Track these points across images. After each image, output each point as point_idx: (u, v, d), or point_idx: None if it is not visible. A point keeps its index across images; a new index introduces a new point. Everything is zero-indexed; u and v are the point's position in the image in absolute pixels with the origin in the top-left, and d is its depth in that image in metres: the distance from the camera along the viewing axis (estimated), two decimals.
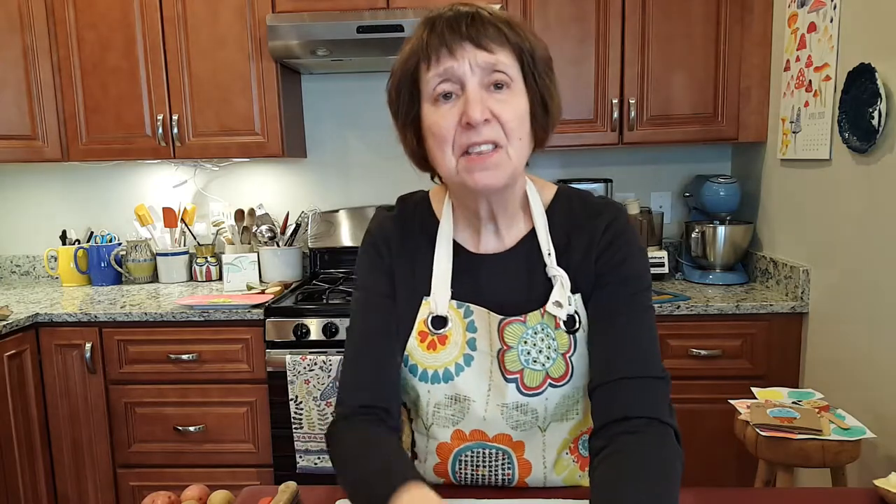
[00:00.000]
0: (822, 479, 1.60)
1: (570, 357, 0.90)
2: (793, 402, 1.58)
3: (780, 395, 1.63)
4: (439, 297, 0.91)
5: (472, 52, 0.81)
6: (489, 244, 0.94)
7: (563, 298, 0.89)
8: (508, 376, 0.90)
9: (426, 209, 0.97)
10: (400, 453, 0.83)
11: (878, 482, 0.93)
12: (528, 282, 0.91)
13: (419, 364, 0.92)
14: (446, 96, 0.82)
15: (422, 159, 0.91)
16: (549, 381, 0.89)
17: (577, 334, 0.90)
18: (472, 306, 0.91)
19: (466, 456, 0.95)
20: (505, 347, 0.90)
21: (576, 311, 0.90)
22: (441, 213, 0.95)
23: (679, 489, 0.75)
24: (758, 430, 1.46)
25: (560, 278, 0.89)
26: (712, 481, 2.02)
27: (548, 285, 0.90)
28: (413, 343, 0.92)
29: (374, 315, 0.93)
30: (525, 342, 0.89)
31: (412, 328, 0.92)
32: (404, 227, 0.96)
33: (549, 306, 0.89)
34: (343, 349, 2.01)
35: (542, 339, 0.89)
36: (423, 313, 0.92)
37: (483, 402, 0.91)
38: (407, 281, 0.93)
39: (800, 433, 1.42)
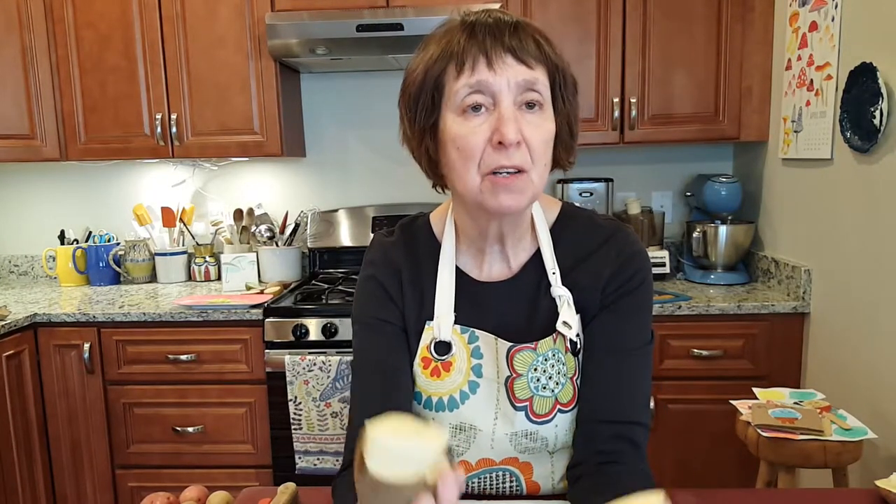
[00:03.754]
0: (824, 479, 1.60)
1: (576, 380, 0.88)
2: (794, 403, 1.57)
3: (782, 395, 1.62)
4: (442, 322, 0.88)
5: (511, 67, 0.76)
6: (493, 269, 0.91)
7: (571, 318, 0.86)
8: (517, 404, 0.87)
9: (428, 234, 0.94)
10: None
11: (880, 483, 0.92)
12: (533, 305, 0.89)
13: (423, 391, 0.89)
14: (475, 108, 0.77)
15: (435, 168, 0.86)
16: (558, 406, 0.87)
17: (580, 356, 0.88)
18: (477, 332, 0.89)
19: (473, 483, 0.93)
20: (514, 375, 0.87)
21: (578, 334, 0.87)
22: (442, 236, 0.92)
23: None
24: (759, 430, 1.45)
25: (566, 298, 0.87)
26: (714, 482, 2.01)
27: (552, 307, 0.88)
28: (416, 370, 0.89)
29: (384, 349, 0.89)
30: (535, 369, 0.87)
31: (415, 354, 0.90)
32: (408, 254, 0.92)
33: (560, 325, 0.86)
34: (342, 350, 2.02)
35: (553, 365, 0.87)
36: (426, 339, 0.89)
37: (490, 431, 0.89)
38: (413, 308, 0.90)
39: (801, 434, 1.42)
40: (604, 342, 0.87)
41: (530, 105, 0.78)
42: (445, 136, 0.80)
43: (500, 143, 0.76)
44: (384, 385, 0.87)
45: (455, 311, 0.89)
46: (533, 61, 0.77)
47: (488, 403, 0.88)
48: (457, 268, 0.91)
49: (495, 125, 0.76)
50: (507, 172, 0.77)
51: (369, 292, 0.92)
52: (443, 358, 0.88)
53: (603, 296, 0.87)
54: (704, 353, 1.98)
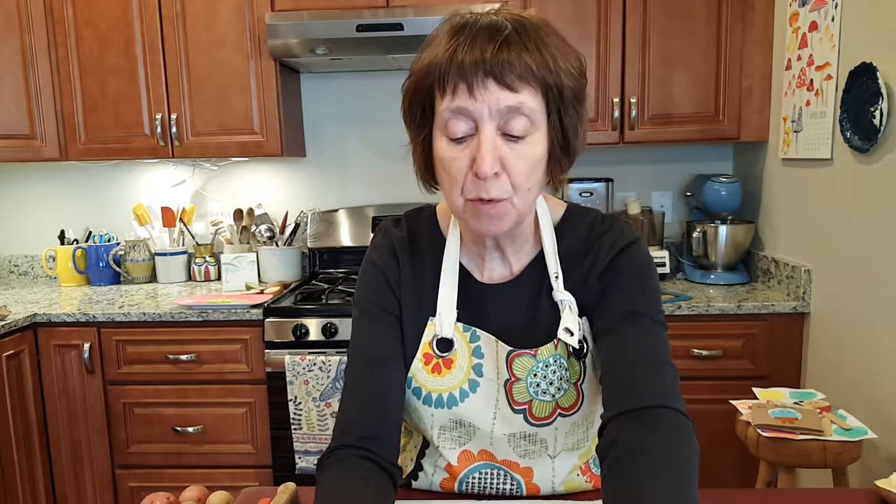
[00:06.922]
0: (824, 479, 1.60)
1: (581, 385, 0.87)
2: (794, 403, 1.57)
3: (782, 395, 1.63)
4: (445, 319, 0.88)
5: (493, 93, 0.72)
6: (495, 272, 0.91)
7: (573, 324, 0.85)
8: (516, 407, 0.87)
9: (433, 227, 0.94)
10: None
11: (880, 483, 0.92)
12: (534, 308, 0.88)
13: (423, 387, 0.89)
14: (458, 131, 0.75)
15: (428, 177, 0.85)
16: (558, 410, 0.87)
17: (586, 360, 0.87)
18: (479, 331, 0.89)
19: (474, 478, 0.93)
20: (513, 378, 0.87)
21: (583, 337, 0.86)
22: (448, 231, 0.92)
23: (697, 485, 0.70)
24: (759, 430, 1.45)
25: (568, 302, 0.86)
26: (714, 482, 2.01)
27: (554, 310, 0.87)
28: (417, 365, 0.89)
29: (376, 338, 0.88)
30: (535, 374, 0.86)
31: (416, 350, 0.89)
32: (412, 246, 0.92)
33: (561, 333, 0.84)
34: (342, 350, 2.02)
35: (554, 371, 0.86)
36: (428, 335, 0.89)
37: (488, 430, 0.89)
38: (413, 301, 0.90)
39: (801, 434, 1.42)
40: (612, 314, 0.83)
41: (514, 135, 0.74)
42: (436, 153, 0.79)
43: (476, 173, 0.74)
44: (375, 375, 0.86)
45: (457, 307, 0.89)
46: (518, 83, 0.72)
47: (488, 403, 0.88)
48: (460, 265, 0.91)
49: (474, 154, 0.74)
50: (487, 199, 0.76)
51: (371, 278, 0.91)
52: (444, 355, 0.88)
53: (600, 285, 0.86)
54: (704, 353, 1.98)
